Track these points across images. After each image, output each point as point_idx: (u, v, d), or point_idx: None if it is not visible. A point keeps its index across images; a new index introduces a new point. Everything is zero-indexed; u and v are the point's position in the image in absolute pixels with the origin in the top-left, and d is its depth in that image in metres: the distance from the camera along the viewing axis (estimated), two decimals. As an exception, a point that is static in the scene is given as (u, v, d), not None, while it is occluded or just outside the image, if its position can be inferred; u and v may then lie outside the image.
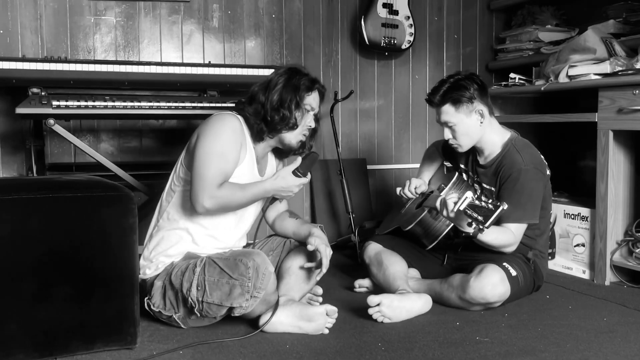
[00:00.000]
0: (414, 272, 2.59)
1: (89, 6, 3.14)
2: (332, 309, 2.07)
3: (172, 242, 2.17)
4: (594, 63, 2.87)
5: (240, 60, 3.43)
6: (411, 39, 3.63)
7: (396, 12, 3.56)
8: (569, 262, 2.99)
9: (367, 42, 3.54)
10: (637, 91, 2.59)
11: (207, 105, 2.81)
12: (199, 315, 2.04)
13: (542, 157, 2.48)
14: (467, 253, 2.53)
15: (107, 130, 3.23)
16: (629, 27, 2.97)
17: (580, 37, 2.98)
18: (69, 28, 3.12)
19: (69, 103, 2.56)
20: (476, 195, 2.07)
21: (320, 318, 2.05)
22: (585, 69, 2.87)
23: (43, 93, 2.59)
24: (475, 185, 2.55)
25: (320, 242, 2.18)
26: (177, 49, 3.32)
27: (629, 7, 2.99)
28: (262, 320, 2.05)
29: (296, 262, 2.25)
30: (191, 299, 2.01)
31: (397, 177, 3.82)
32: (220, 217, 2.18)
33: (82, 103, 2.58)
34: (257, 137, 2.19)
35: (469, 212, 2.02)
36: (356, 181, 3.65)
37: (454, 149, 2.51)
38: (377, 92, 3.78)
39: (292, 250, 2.32)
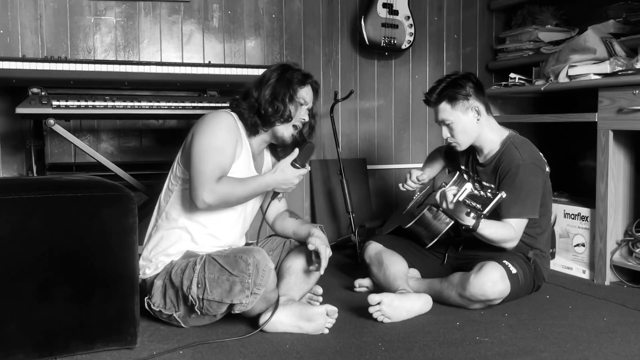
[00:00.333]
0: (415, 272, 2.59)
1: (89, 6, 3.14)
2: (332, 309, 2.07)
3: (171, 241, 2.17)
4: (594, 63, 2.87)
5: (240, 60, 3.43)
6: (411, 39, 3.63)
7: (396, 12, 3.56)
8: (569, 262, 2.99)
9: (367, 42, 3.54)
10: (637, 91, 2.59)
11: (207, 105, 2.80)
12: (199, 313, 2.05)
13: (540, 154, 2.48)
14: (467, 252, 2.53)
15: (107, 130, 3.23)
16: (629, 27, 2.96)
17: (580, 37, 2.98)
18: (69, 28, 3.12)
19: (69, 103, 2.56)
20: (475, 187, 2.07)
21: (320, 318, 2.05)
22: (585, 69, 2.87)
23: (43, 93, 2.59)
24: (476, 184, 2.55)
25: (320, 243, 2.18)
26: (177, 49, 3.32)
27: (629, 7, 2.99)
28: (262, 320, 2.05)
29: (296, 262, 2.25)
30: (191, 296, 2.01)
31: (397, 177, 3.82)
32: (220, 215, 2.18)
33: (82, 103, 2.58)
34: (251, 130, 2.21)
35: (468, 201, 2.02)
36: (356, 181, 3.65)
37: (454, 149, 2.52)
38: (377, 92, 3.78)
39: (292, 250, 2.33)
